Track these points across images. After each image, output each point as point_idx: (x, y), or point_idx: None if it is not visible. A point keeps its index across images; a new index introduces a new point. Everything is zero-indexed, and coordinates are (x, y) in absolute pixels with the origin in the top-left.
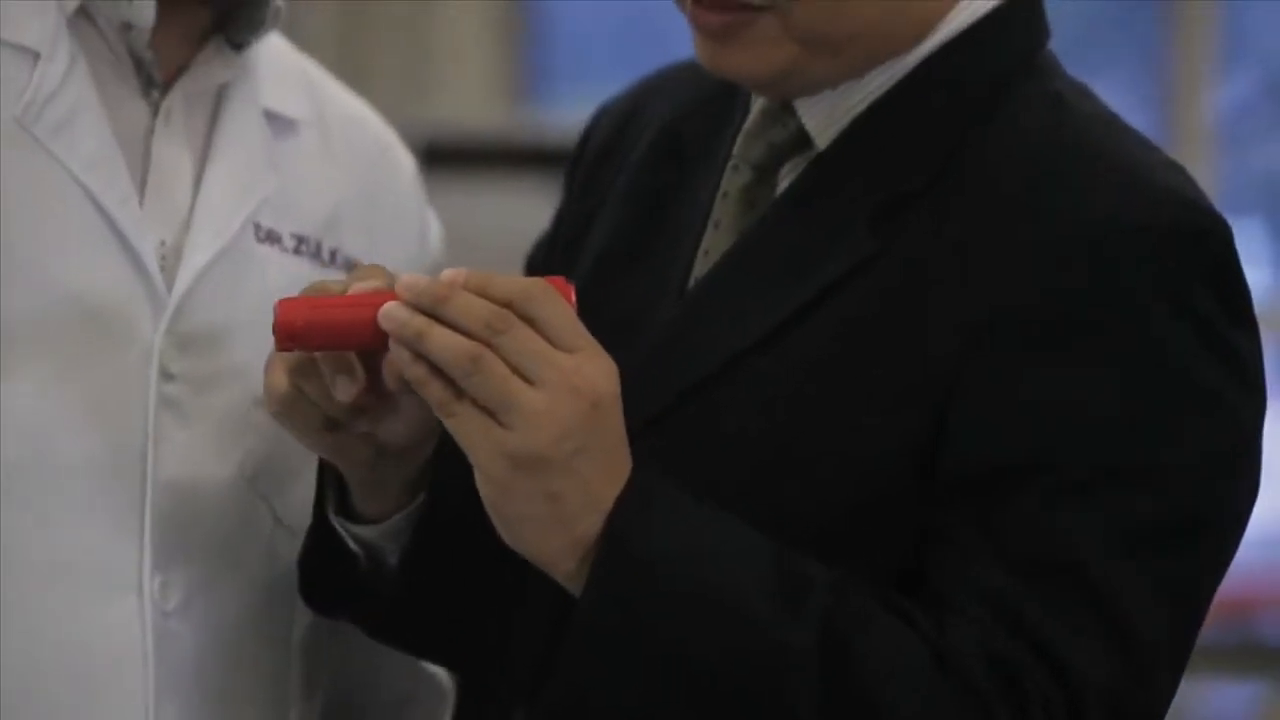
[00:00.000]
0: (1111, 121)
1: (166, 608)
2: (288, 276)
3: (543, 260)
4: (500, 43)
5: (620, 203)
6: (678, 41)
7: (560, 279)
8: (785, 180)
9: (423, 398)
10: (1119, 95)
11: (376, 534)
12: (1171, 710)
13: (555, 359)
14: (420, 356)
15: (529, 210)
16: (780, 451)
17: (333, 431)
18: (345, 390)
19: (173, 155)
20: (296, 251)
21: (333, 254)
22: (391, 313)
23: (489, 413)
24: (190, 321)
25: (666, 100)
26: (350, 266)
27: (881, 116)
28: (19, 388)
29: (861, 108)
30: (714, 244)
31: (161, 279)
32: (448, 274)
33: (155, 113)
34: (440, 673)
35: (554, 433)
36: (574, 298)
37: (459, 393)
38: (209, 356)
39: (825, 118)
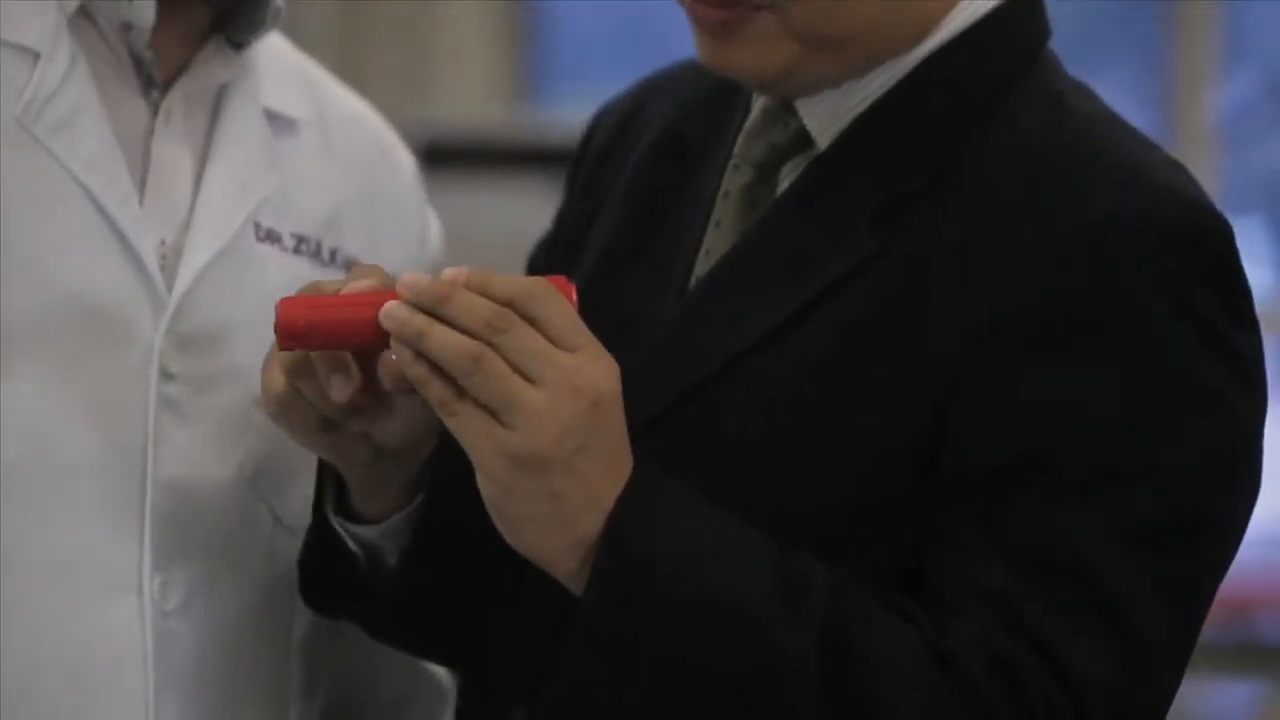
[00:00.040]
0: (1112, 121)
1: (166, 607)
2: (288, 276)
3: (544, 260)
4: (501, 42)
5: (621, 202)
6: (678, 41)
7: (561, 278)
8: (786, 180)
9: (422, 397)
10: (1119, 95)
11: (376, 534)
12: (1172, 709)
13: (556, 358)
14: (421, 356)
15: (529, 210)
16: (780, 451)
17: (330, 432)
18: (341, 390)
19: (173, 155)
20: (296, 251)
21: (333, 253)
22: (393, 312)
23: (490, 412)
24: (190, 321)
25: (668, 100)
26: (350, 266)
27: (882, 116)
28: (19, 387)
29: (862, 107)
30: (715, 243)
31: (161, 279)
32: (449, 273)
33: (155, 112)
34: (440, 672)
35: (555, 432)
36: (575, 297)
37: (460, 392)
38: (209, 356)
39: (826, 117)
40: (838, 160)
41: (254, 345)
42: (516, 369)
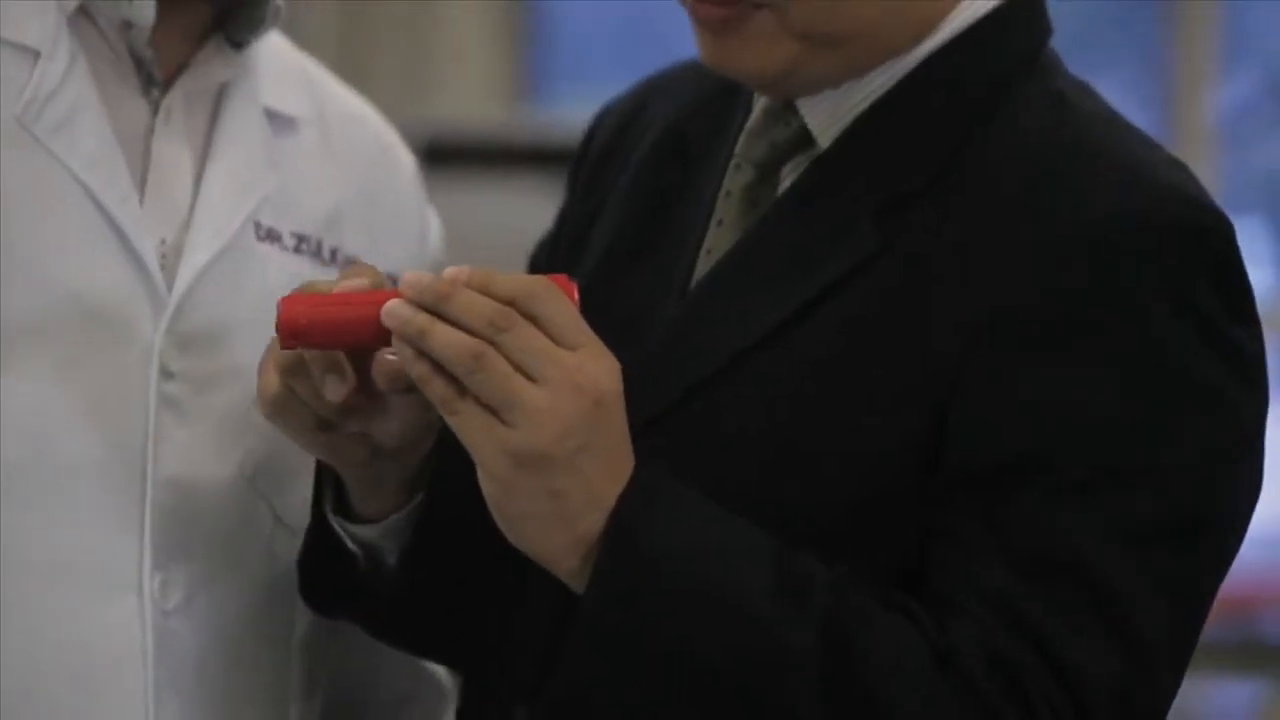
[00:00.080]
0: (1113, 119)
1: (167, 607)
2: (288, 275)
3: (546, 260)
4: (501, 42)
5: (623, 202)
6: (678, 41)
7: (563, 277)
8: (787, 179)
9: (418, 397)
10: (1120, 95)
11: (375, 534)
12: (1173, 708)
13: (558, 356)
14: (423, 354)
15: (530, 210)
16: (782, 450)
17: (326, 432)
18: (335, 390)
19: (173, 154)
20: (297, 250)
21: (333, 253)
22: (395, 310)
23: (492, 410)
24: (190, 320)
25: (669, 100)
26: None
27: (883, 116)
28: (19, 387)
29: (863, 107)
30: (716, 243)
31: (162, 278)
32: (450, 271)
33: (155, 111)
34: (440, 672)
35: (556, 430)
36: (577, 295)
37: (462, 390)
38: (209, 355)
39: (828, 117)
40: (839, 159)
41: (254, 344)
42: (518, 367)
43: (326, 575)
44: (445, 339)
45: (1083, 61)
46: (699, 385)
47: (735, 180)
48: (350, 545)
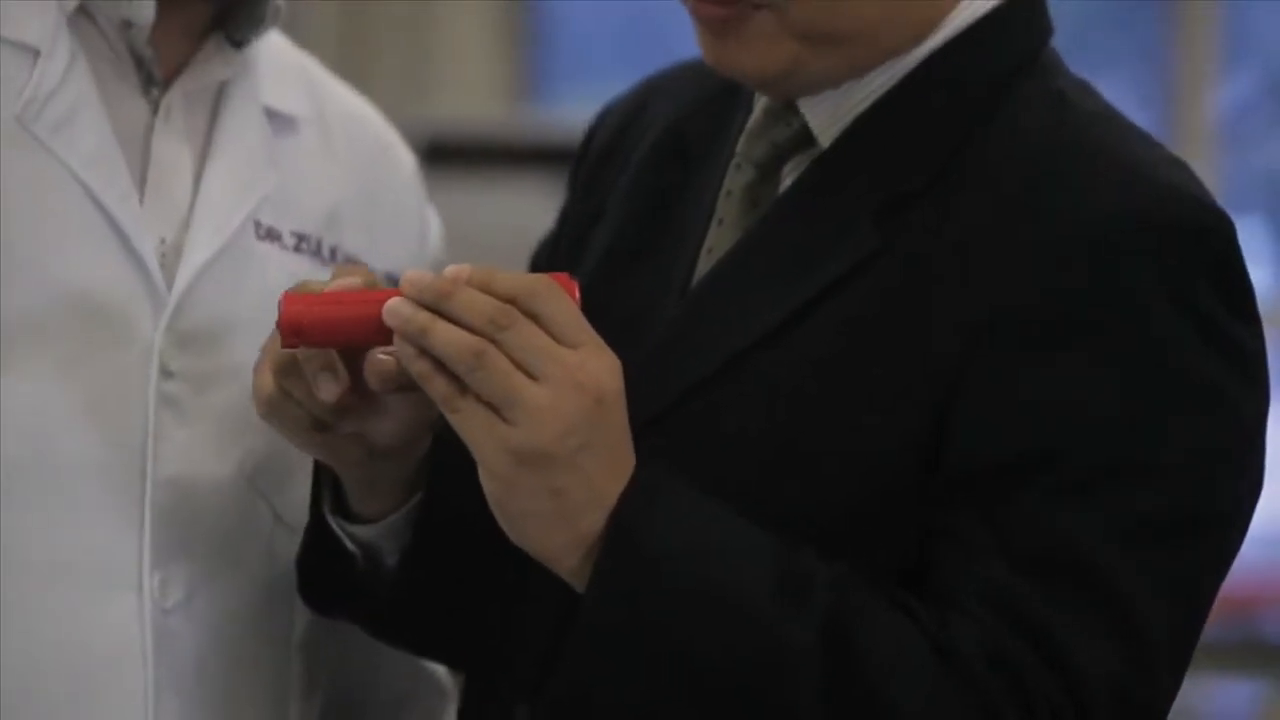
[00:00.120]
0: (1113, 119)
1: (166, 605)
2: (288, 274)
3: (547, 259)
4: (502, 42)
5: (624, 202)
6: (679, 41)
7: (564, 275)
8: (788, 179)
9: (414, 397)
10: (1120, 95)
11: (373, 533)
12: (1174, 708)
13: (559, 354)
14: (424, 352)
15: (530, 209)
16: (782, 449)
17: (322, 432)
18: (329, 391)
19: (173, 153)
20: (297, 249)
21: (333, 252)
22: (396, 308)
23: (493, 408)
24: (190, 319)
25: (670, 100)
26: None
27: (883, 115)
28: (19, 386)
29: (864, 106)
30: (717, 242)
31: (161, 277)
32: (451, 270)
33: (155, 110)
34: (440, 671)
35: (558, 428)
36: (578, 294)
37: (463, 388)
38: (209, 354)
39: (828, 116)
40: (840, 159)
41: (254, 343)
42: (519, 365)
43: (325, 575)
44: (446, 337)
45: (1083, 61)
46: (699, 385)
47: (736, 180)
48: (349, 545)
